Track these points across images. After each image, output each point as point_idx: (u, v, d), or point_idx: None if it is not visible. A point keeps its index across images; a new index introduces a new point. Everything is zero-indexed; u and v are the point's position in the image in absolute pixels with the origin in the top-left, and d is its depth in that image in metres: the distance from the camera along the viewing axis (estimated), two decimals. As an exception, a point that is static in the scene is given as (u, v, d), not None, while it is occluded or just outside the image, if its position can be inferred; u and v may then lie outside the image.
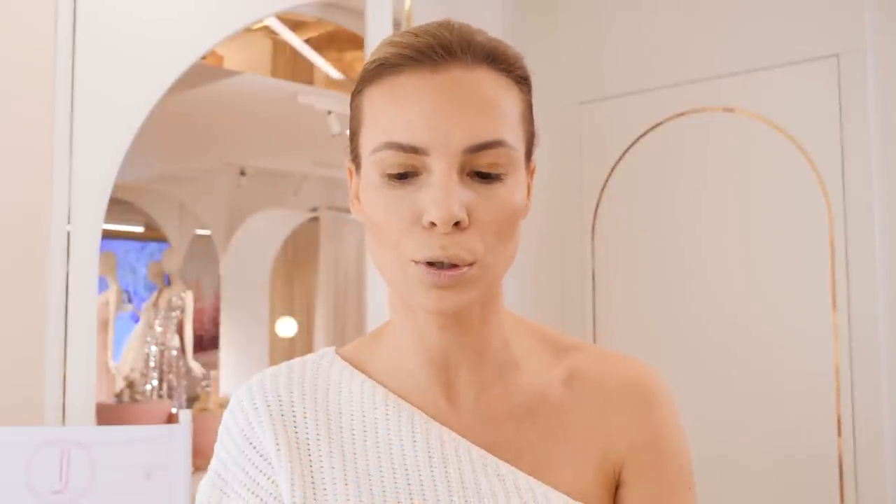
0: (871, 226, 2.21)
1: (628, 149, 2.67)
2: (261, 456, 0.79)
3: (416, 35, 0.74)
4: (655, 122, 2.62)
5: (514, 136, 0.74)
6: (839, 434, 2.22)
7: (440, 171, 0.71)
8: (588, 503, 0.77)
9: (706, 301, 2.49)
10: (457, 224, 0.70)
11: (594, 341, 2.68)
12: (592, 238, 2.74)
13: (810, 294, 2.30)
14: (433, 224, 0.70)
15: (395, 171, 0.72)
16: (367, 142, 0.75)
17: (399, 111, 0.72)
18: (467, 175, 0.72)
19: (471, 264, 0.72)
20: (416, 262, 0.72)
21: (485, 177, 0.72)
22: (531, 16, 2.89)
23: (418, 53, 0.73)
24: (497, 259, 0.74)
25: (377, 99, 0.74)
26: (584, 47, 2.81)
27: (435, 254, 0.70)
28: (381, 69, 0.74)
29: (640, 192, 2.66)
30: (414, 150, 0.71)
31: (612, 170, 2.70)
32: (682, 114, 2.57)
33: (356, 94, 0.78)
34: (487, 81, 0.73)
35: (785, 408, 2.32)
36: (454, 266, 0.71)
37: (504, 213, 0.73)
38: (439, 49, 0.73)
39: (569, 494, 0.76)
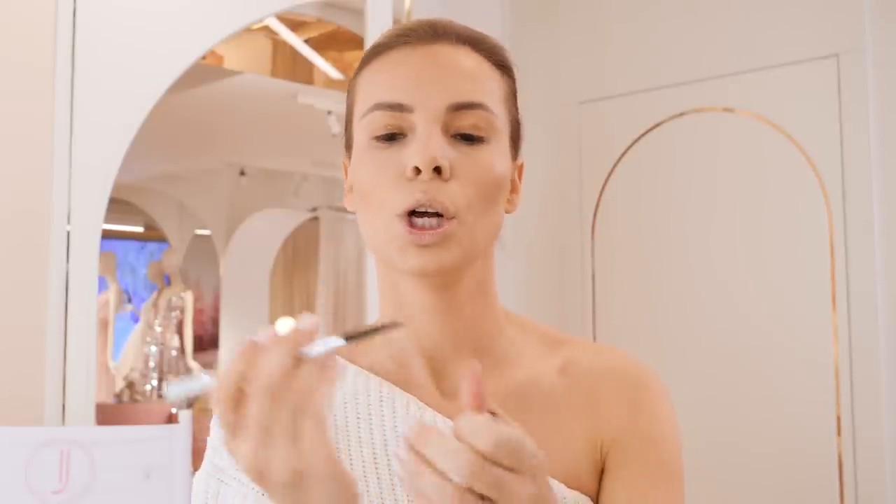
0: (871, 226, 2.20)
1: (628, 149, 2.67)
2: None
3: (407, 22, 0.80)
4: (655, 122, 2.62)
5: (496, 108, 0.77)
6: (839, 434, 2.22)
7: (423, 126, 0.74)
8: (580, 490, 0.77)
9: (706, 301, 2.49)
10: (439, 172, 0.73)
11: (594, 340, 2.68)
12: (592, 238, 2.74)
13: (810, 294, 2.30)
14: (416, 171, 0.72)
15: (381, 132, 0.75)
16: (357, 113, 0.79)
17: (385, 77, 0.77)
18: (451, 137, 0.75)
19: (451, 218, 0.73)
20: (399, 217, 0.73)
21: (468, 139, 0.75)
22: (531, 15, 2.89)
23: (407, 31, 0.79)
24: (477, 220, 0.75)
25: (368, 76, 0.79)
26: (584, 47, 2.80)
27: (417, 198, 0.72)
28: (374, 52, 0.80)
29: (640, 192, 2.65)
30: (399, 107, 0.75)
31: (612, 170, 2.70)
32: (682, 114, 2.57)
33: (352, 82, 0.82)
34: (470, 58, 0.78)
35: (785, 407, 2.32)
36: (435, 218, 0.73)
37: (486, 174, 0.75)
38: (427, 27, 0.78)
39: (563, 481, 0.76)
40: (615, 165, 2.69)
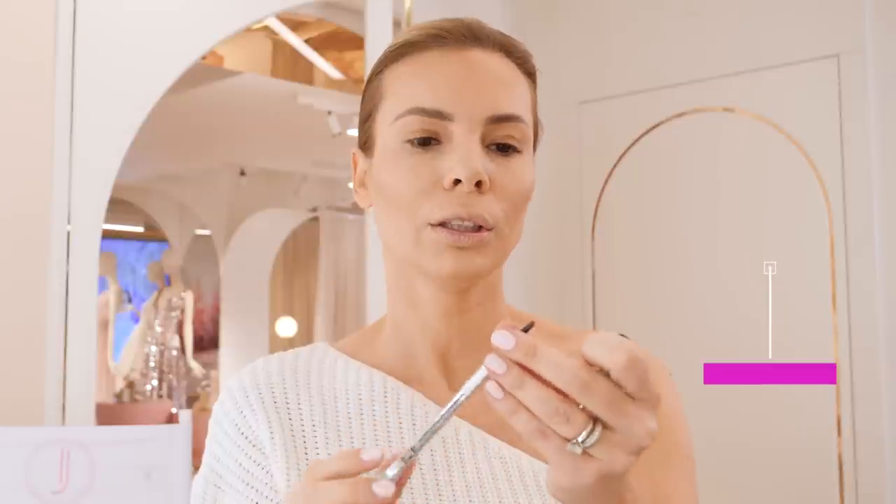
0: (871, 226, 2.20)
1: (628, 149, 2.67)
2: (254, 446, 0.78)
3: (440, 21, 0.79)
4: (655, 122, 2.62)
5: (527, 118, 0.77)
6: (839, 434, 2.22)
7: (463, 135, 0.73)
8: None
9: (706, 301, 2.49)
10: (478, 186, 0.72)
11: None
12: (592, 238, 2.74)
13: (810, 294, 2.30)
14: (455, 183, 0.72)
15: (417, 136, 0.74)
16: (388, 113, 0.76)
17: (425, 81, 0.75)
18: (486, 147, 0.74)
19: (490, 229, 0.73)
20: (432, 226, 0.72)
21: (503, 149, 0.75)
22: (531, 15, 2.89)
23: (445, 32, 0.77)
24: (511, 231, 0.76)
25: (402, 74, 0.77)
26: (584, 47, 2.80)
27: (456, 211, 0.72)
28: (407, 48, 0.78)
29: (640, 192, 2.66)
30: (439, 114, 0.73)
31: (612, 170, 2.70)
32: (682, 114, 2.57)
33: (375, 75, 0.80)
34: (505, 66, 0.78)
35: (785, 407, 2.32)
36: (475, 229, 0.72)
37: (520, 186, 0.75)
38: (465, 30, 0.77)
39: None
40: (615, 165, 2.69)
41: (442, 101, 0.74)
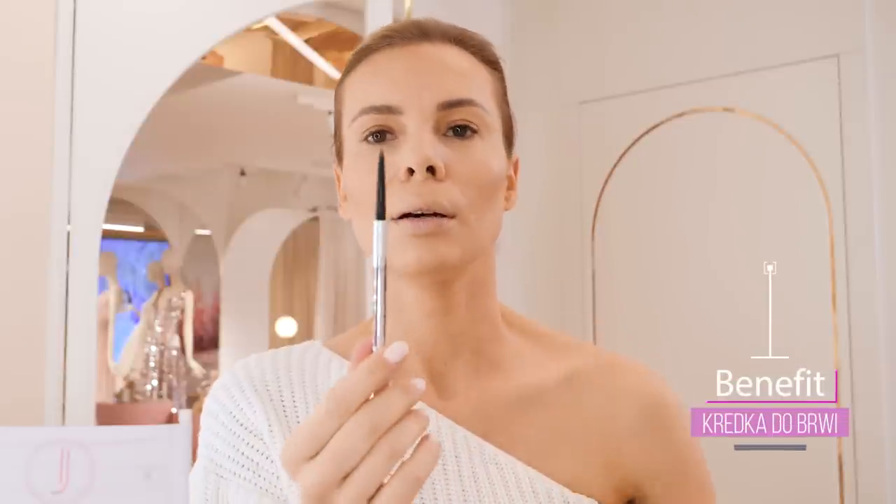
0: (871, 226, 2.20)
1: (628, 149, 2.67)
2: (254, 435, 0.77)
3: (391, 24, 0.80)
4: (655, 122, 2.61)
5: (487, 104, 0.76)
6: (839, 434, 2.22)
7: (415, 126, 0.73)
8: (589, 496, 0.77)
9: (706, 301, 2.49)
10: (433, 173, 0.71)
11: (594, 341, 2.68)
12: (592, 238, 2.74)
13: (810, 294, 2.30)
14: (409, 172, 0.71)
15: (371, 133, 0.74)
16: (347, 118, 0.77)
17: (374, 79, 0.76)
18: (443, 134, 0.74)
19: (452, 217, 0.72)
20: (394, 220, 0.72)
21: (460, 134, 0.74)
22: (531, 16, 2.89)
23: (394, 32, 0.78)
24: (479, 219, 0.74)
25: (355, 80, 0.78)
26: (584, 47, 2.80)
27: (412, 202, 0.71)
28: (361, 54, 0.79)
29: (640, 193, 2.65)
30: (388, 109, 0.73)
31: (612, 170, 2.70)
32: (682, 114, 2.56)
33: (338, 88, 0.81)
34: (458, 56, 0.77)
35: (785, 408, 2.31)
36: (433, 217, 0.71)
37: (482, 171, 0.74)
38: (413, 28, 0.78)
39: (567, 486, 0.76)
40: (615, 165, 2.69)
41: (390, 95, 0.74)
